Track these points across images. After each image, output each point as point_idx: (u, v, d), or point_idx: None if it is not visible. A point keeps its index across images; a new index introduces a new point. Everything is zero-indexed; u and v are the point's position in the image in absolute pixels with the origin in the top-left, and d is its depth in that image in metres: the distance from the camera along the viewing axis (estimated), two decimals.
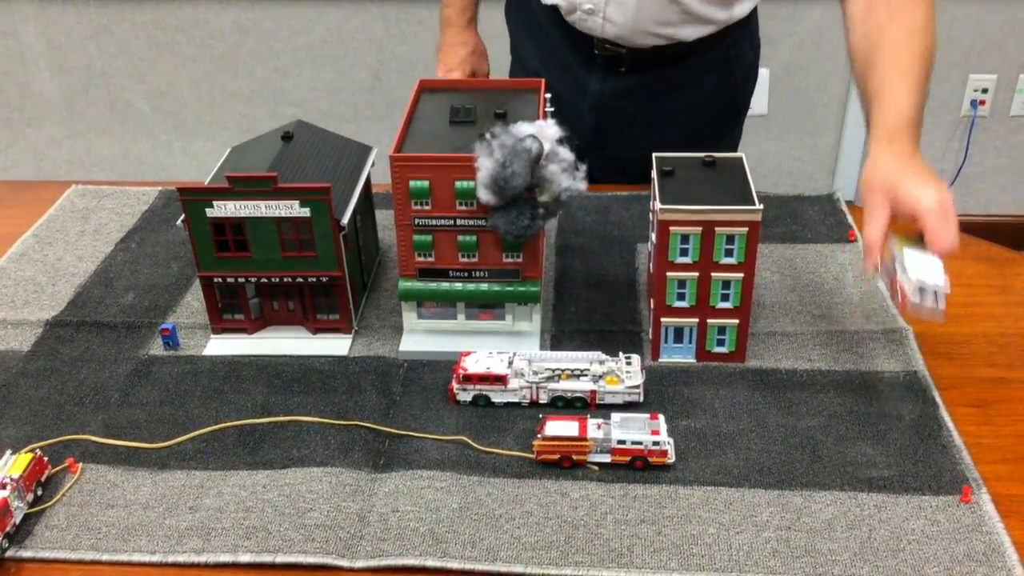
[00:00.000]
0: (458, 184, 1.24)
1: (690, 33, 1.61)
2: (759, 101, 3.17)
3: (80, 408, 1.25)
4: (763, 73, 3.13)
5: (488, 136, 1.21)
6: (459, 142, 1.28)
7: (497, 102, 1.38)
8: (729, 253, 1.23)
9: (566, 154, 1.23)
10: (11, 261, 1.57)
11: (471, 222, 1.27)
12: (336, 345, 1.36)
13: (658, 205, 1.22)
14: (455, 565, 1.01)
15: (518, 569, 1.01)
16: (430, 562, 1.02)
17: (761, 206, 1.19)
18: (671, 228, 1.22)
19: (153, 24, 3.12)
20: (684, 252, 1.23)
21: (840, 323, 1.37)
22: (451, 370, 1.27)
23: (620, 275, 1.51)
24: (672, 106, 1.72)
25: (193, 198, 1.27)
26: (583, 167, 1.24)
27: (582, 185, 1.24)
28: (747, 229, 1.21)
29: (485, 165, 1.21)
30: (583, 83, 1.71)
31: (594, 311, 1.42)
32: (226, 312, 1.37)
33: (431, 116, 1.37)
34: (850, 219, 1.62)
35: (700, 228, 1.21)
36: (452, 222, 1.27)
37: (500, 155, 1.19)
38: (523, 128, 1.22)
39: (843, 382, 1.26)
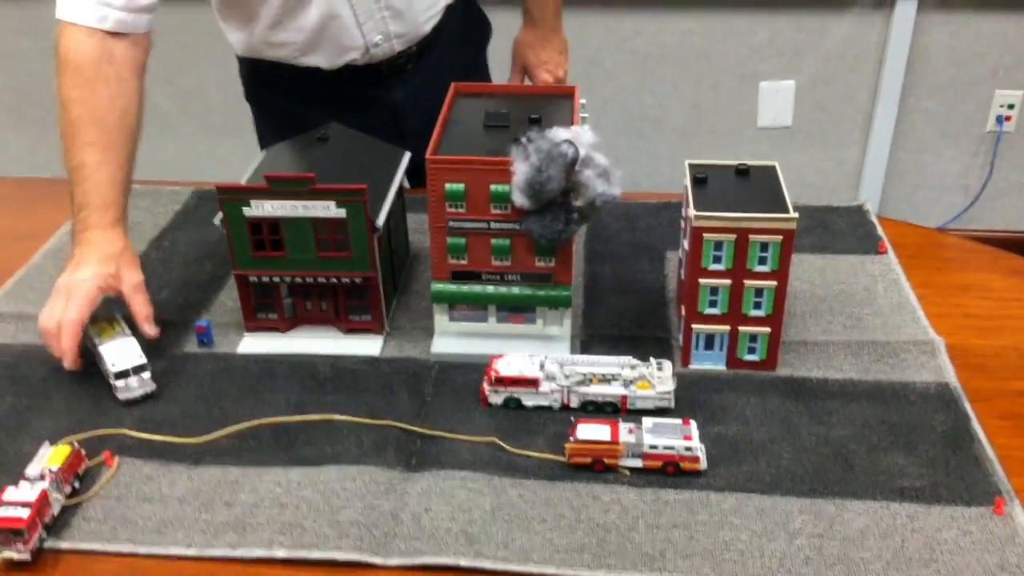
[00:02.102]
0: (493, 187, 1.25)
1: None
2: (784, 113, 3.18)
3: (115, 403, 1.26)
4: (788, 85, 3.15)
5: (524, 140, 1.22)
6: (494, 146, 1.29)
7: (531, 107, 1.39)
8: (763, 261, 1.23)
9: (601, 159, 1.24)
10: (46, 257, 1.59)
11: (505, 225, 1.28)
12: (368, 345, 1.37)
13: (692, 212, 1.22)
14: (488, 565, 1.02)
15: (550, 571, 1.02)
16: (463, 561, 1.02)
17: (796, 214, 1.20)
18: (705, 235, 1.22)
19: (182, 27, 3.13)
20: (717, 259, 1.24)
21: (871, 333, 1.37)
22: (482, 372, 1.27)
23: (649, 282, 1.51)
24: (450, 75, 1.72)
25: (231, 197, 1.28)
26: (618, 173, 1.25)
27: (616, 191, 1.24)
28: (781, 237, 1.21)
29: (521, 169, 1.22)
30: (385, 101, 1.73)
31: (623, 317, 1.43)
32: (259, 311, 1.38)
33: (465, 120, 1.38)
34: (880, 231, 1.62)
35: (734, 235, 1.22)
36: (486, 225, 1.28)
37: (536, 159, 1.20)
38: (559, 133, 1.23)
39: (874, 392, 1.26)
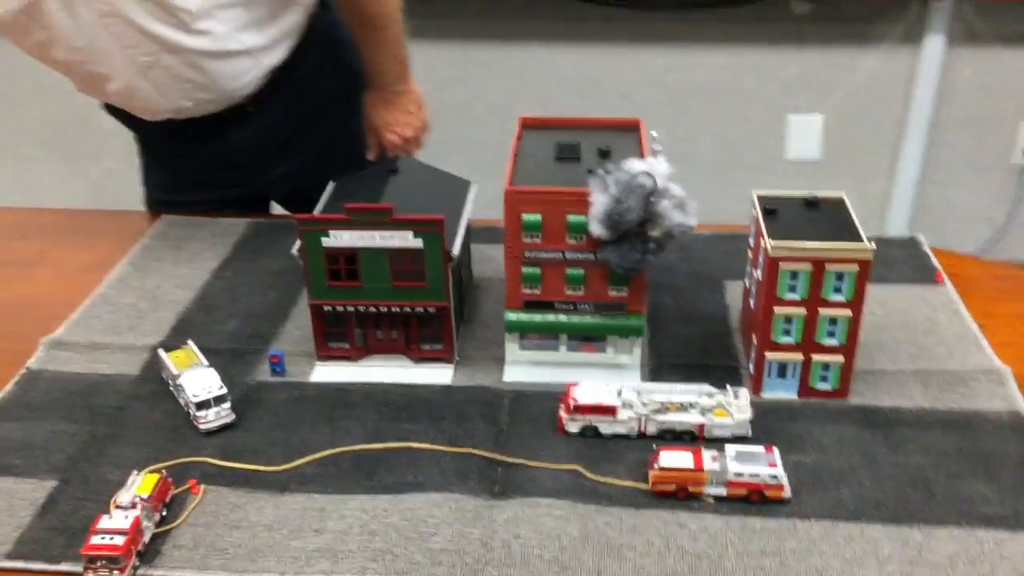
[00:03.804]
0: (570, 218, 1.27)
1: (271, 59, 1.69)
2: (812, 146, 3.21)
3: (192, 432, 1.27)
4: (817, 120, 3.19)
5: (602, 172, 1.24)
6: (566, 177, 1.31)
7: (599, 139, 1.41)
8: (838, 290, 1.24)
9: (677, 190, 1.26)
10: (110, 287, 1.60)
11: (580, 256, 1.29)
12: (439, 374, 1.38)
13: (768, 242, 1.24)
14: None
15: None
16: None
17: (873, 245, 1.21)
18: (781, 264, 1.24)
19: None
20: (792, 288, 1.25)
21: (938, 363, 1.38)
22: (554, 400, 1.28)
23: (711, 311, 1.53)
24: (308, 131, 1.85)
25: (310, 228, 1.30)
26: (694, 204, 1.26)
27: (693, 221, 1.26)
28: (858, 267, 1.22)
29: (599, 200, 1.23)
30: (221, 141, 1.76)
31: (689, 346, 1.44)
32: (331, 340, 1.39)
33: (535, 152, 1.40)
34: (935, 261, 1.64)
35: (810, 265, 1.23)
36: (561, 255, 1.30)
37: (615, 190, 1.22)
38: (635, 165, 1.25)
39: (947, 421, 1.27)
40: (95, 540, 1.03)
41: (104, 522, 1.05)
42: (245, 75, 1.66)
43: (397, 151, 1.85)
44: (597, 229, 1.25)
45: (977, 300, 1.54)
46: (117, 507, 1.08)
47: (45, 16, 1.47)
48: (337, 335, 1.39)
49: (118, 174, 3.40)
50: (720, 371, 1.38)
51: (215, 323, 1.50)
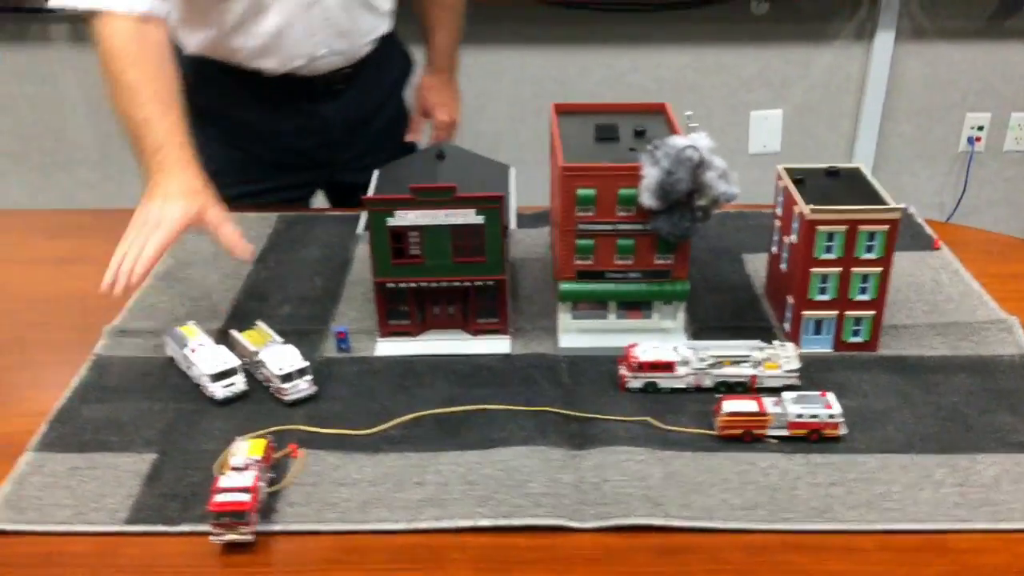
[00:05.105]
0: (621, 191, 1.36)
1: (384, 27, 1.91)
2: (772, 140, 3.36)
3: (276, 404, 1.33)
4: (776, 114, 3.34)
5: (651, 147, 1.34)
6: (608, 155, 1.41)
7: (631, 122, 1.51)
8: (870, 249, 1.36)
9: (719, 162, 1.37)
10: (157, 279, 1.65)
11: (630, 227, 1.39)
12: (497, 345, 1.46)
13: (804, 207, 1.35)
14: (678, 523, 1.12)
15: (734, 526, 1.12)
16: (656, 521, 1.12)
17: (903, 205, 1.34)
18: (818, 227, 1.35)
19: None
20: (828, 249, 1.37)
21: (950, 316, 1.52)
22: (610, 363, 1.38)
23: (735, 280, 1.64)
24: (376, 101, 1.99)
25: (377, 208, 1.37)
26: (735, 174, 1.37)
27: (736, 189, 1.37)
28: (888, 227, 1.35)
29: (651, 173, 1.33)
30: (315, 114, 1.90)
31: (723, 311, 1.55)
32: (391, 317, 1.47)
33: (575, 134, 1.50)
34: (928, 230, 1.78)
35: (845, 227, 1.35)
36: (612, 227, 1.39)
37: (667, 163, 1.32)
38: (679, 140, 1.35)
39: (967, 365, 1.40)
40: (219, 498, 1.09)
41: (224, 481, 1.11)
42: (372, 34, 1.87)
43: (443, 131, 2.02)
44: (649, 200, 1.35)
45: (972, 263, 1.68)
46: (232, 469, 1.14)
47: None
48: (397, 312, 1.47)
49: (92, 184, 3.41)
50: (754, 332, 1.48)
51: (270, 308, 1.56)
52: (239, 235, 1.47)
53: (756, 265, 1.67)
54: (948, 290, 1.59)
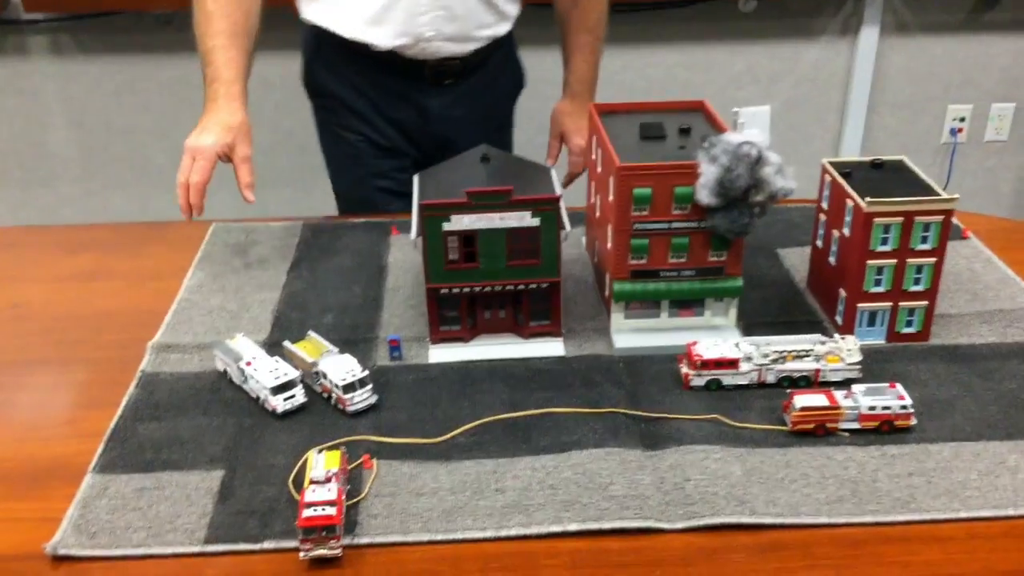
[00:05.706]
0: (677, 190, 1.36)
1: (501, 29, 1.92)
2: (761, 135, 3.38)
3: (338, 415, 1.31)
4: (764, 110, 3.36)
5: (707, 145, 1.34)
6: (656, 154, 1.40)
7: (674, 120, 1.51)
8: (924, 240, 1.37)
9: (775, 158, 1.37)
10: (192, 293, 1.62)
11: (685, 225, 1.39)
12: (551, 348, 1.45)
13: (861, 200, 1.36)
14: (768, 520, 1.12)
15: (823, 520, 1.12)
16: (745, 519, 1.12)
17: (957, 196, 1.35)
18: (875, 220, 1.36)
19: (178, 81, 3.16)
20: (884, 241, 1.37)
21: (992, 304, 1.53)
22: (667, 361, 1.38)
23: (775, 276, 1.65)
24: (484, 106, 2.01)
25: (433, 213, 1.35)
26: (791, 169, 1.38)
27: (792, 184, 1.37)
28: (942, 217, 1.36)
29: (708, 170, 1.33)
30: (421, 105, 1.93)
31: (769, 306, 1.55)
32: (442, 324, 1.45)
33: (621, 134, 1.49)
34: (956, 220, 1.80)
35: (902, 218, 1.36)
36: (667, 225, 1.39)
37: (726, 160, 1.32)
38: (735, 137, 1.35)
39: (1019, 351, 1.42)
40: (308, 512, 1.07)
41: (309, 496, 1.09)
42: (487, 29, 1.88)
43: (579, 156, 2.03)
44: (706, 197, 1.35)
45: (1003, 252, 1.70)
46: (313, 482, 1.12)
47: None
48: (447, 318, 1.45)
49: (75, 199, 3.34)
50: (804, 326, 1.49)
51: (312, 318, 1.54)
52: (252, 180, 1.61)
53: (793, 260, 1.68)
54: (985, 278, 1.61)
